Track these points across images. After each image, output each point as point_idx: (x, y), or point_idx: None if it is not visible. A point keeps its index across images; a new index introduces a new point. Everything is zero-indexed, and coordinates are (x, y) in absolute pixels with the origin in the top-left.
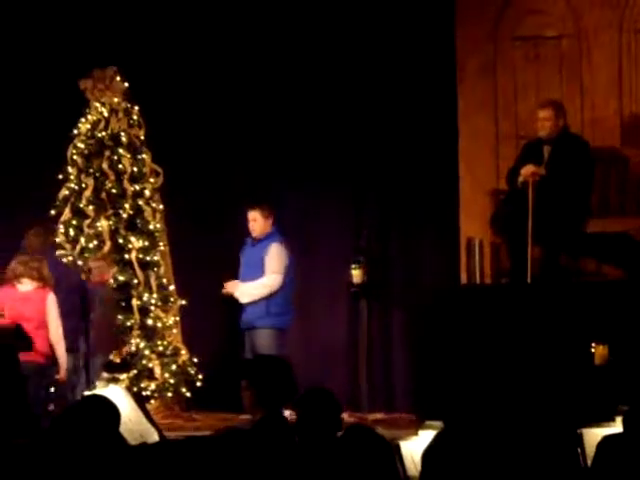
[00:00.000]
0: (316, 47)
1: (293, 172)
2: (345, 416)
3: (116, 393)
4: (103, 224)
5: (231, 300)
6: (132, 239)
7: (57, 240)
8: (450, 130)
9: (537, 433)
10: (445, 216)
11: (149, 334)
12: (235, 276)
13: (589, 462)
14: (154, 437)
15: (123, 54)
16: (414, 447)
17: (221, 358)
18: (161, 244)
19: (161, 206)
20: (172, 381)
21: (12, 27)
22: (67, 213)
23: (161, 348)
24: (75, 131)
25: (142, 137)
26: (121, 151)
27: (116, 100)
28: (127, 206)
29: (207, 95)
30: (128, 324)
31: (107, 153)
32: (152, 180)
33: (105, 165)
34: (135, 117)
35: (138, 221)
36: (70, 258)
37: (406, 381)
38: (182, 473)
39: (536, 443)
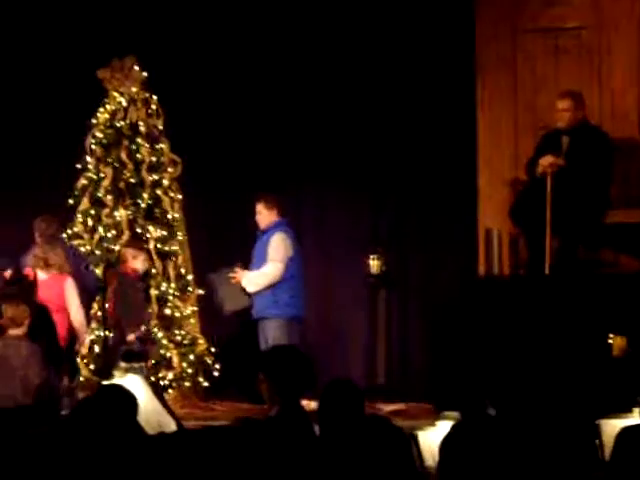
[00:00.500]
0: (335, 38)
1: (312, 162)
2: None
3: (134, 383)
4: (121, 214)
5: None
6: (150, 229)
7: (75, 229)
8: (469, 121)
9: (555, 424)
10: (463, 207)
11: (167, 324)
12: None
13: (607, 453)
14: (172, 427)
15: (141, 44)
16: (432, 437)
17: (239, 348)
18: (179, 234)
19: (179, 196)
20: (190, 371)
21: (32, 17)
22: (85, 203)
23: (179, 338)
24: (94, 121)
25: (160, 127)
26: (139, 141)
27: (134, 90)
28: (145, 196)
29: (225, 85)
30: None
31: (125, 143)
32: (170, 170)
33: (123, 155)
34: (153, 107)
35: (156, 211)
36: (88, 247)
37: (424, 372)
38: (200, 463)
39: (554, 434)
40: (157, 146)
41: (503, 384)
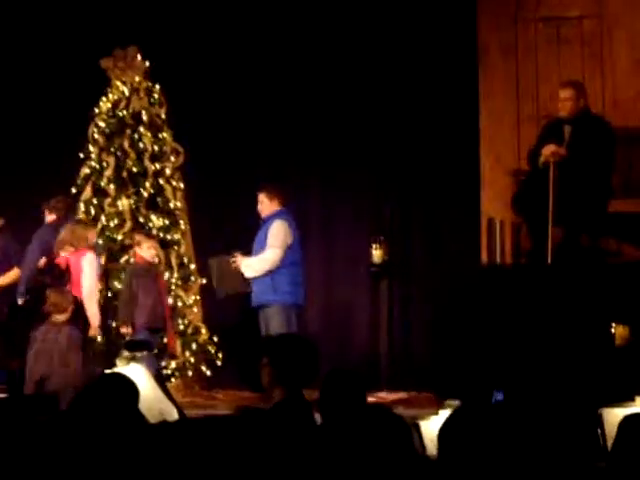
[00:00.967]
0: (338, 25)
1: (315, 151)
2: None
3: (136, 371)
4: (124, 203)
5: None
6: (153, 218)
7: (78, 218)
8: (471, 110)
9: (558, 413)
10: (466, 196)
11: (169, 313)
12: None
13: (609, 442)
14: (174, 415)
15: (144, 33)
16: (434, 426)
17: (241, 337)
18: (181, 223)
19: (182, 185)
20: (192, 360)
21: (35, 7)
22: (88, 192)
23: (182, 327)
24: (96, 110)
25: (163, 116)
26: (142, 130)
27: (137, 79)
28: (148, 185)
29: (228, 74)
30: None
31: (128, 132)
32: (173, 159)
33: (126, 144)
34: (156, 96)
35: (159, 200)
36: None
37: (426, 360)
38: (201, 451)
39: (557, 423)
40: (160, 135)
41: (506, 373)
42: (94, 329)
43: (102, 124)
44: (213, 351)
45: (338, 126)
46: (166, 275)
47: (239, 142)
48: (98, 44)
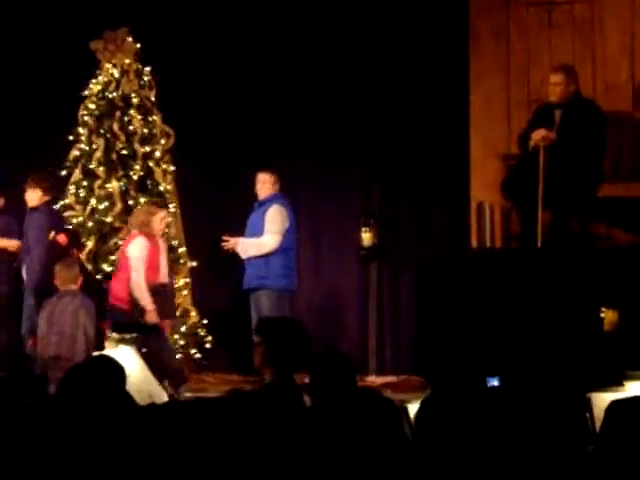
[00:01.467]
0: (325, 13)
1: (303, 135)
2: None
3: (126, 354)
4: (114, 185)
5: (237, 260)
6: (142, 200)
7: (67, 201)
8: (462, 94)
9: (546, 397)
10: (456, 180)
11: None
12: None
13: (597, 426)
14: (163, 397)
15: (134, 15)
16: None
17: (231, 320)
18: (171, 206)
19: (172, 167)
20: (182, 342)
21: None
22: (77, 174)
23: None
24: (86, 92)
25: (153, 98)
26: (132, 112)
27: (127, 61)
28: (138, 167)
29: (218, 57)
30: None
31: (118, 114)
32: (163, 141)
33: (116, 126)
34: (146, 78)
35: (148, 182)
36: (80, 219)
37: (415, 344)
38: (191, 433)
39: (545, 407)
40: (149, 118)
41: (495, 357)
42: (150, 314)
43: (92, 106)
44: (203, 334)
45: (326, 109)
46: None
47: (228, 125)
48: (88, 26)
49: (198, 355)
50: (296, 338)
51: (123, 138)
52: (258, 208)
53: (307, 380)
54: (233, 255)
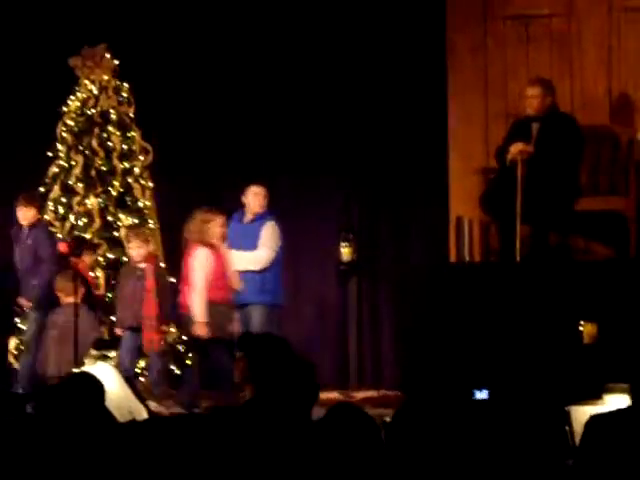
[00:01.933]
0: (305, 25)
1: (282, 150)
2: (334, 394)
3: (104, 370)
4: (92, 201)
5: None
6: (121, 217)
7: (46, 217)
8: (440, 109)
9: (526, 410)
10: (435, 194)
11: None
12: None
13: (577, 440)
14: (143, 414)
15: (113, 31)
16: None
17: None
18: (150, 222)
19: (150, 184)
20: None
21: (2, 5)
22: (56, 190)
23: None
24: (65, 108)
25: (132, 115)
26: (111, 128)
27: (106, 77)
28: (116, 184)
29: (197, 73)
30: None
31: (97, 130)
32: (142, 158)
33: (95, 142)
34: (125, 94)
35: (127, 199)
36: (59, 235)
37: (395, 359)
38: (170, 449)
39: (524, 420)
40: (128, 134)
41: (475, 371)
42: (199, 327)
43: (71, 123)
44: (182, 350)
45: (306, 124)
46: None
47: (207, 141)
48: (67, 42)
49: (178, 371)
50: (278, 355)
51: (102, 154)
52: (248, 222)
53: None
54: None
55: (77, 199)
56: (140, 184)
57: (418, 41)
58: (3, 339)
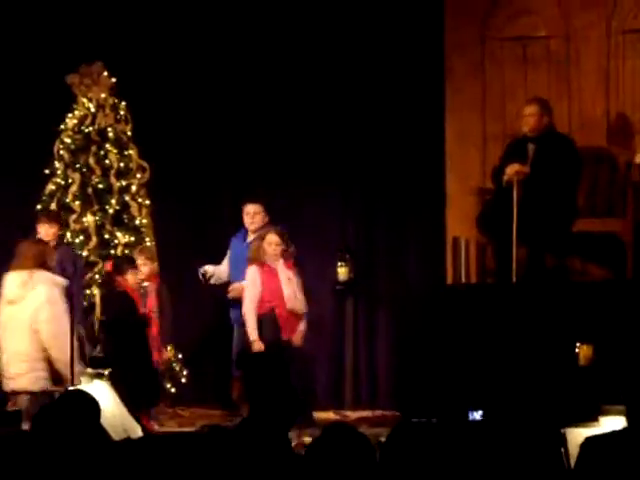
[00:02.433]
0: (305, 40)
1: (279, 169)
2: (329, 414)
3: (100, 389)
4: (89, 219)
5: (213, 294)
6: (118, 234)
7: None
8: (437, 129)
9: (521, 432)
10: (431, 215)
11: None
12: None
13: (572, 462)
14: (138, 432)
15: (110, 49)
16: None
17: (207, 353)
18: (147, 240)
19: (147, 202)
20: None
21: None
22: (53, 208)
23: None
24: (62, 126)
25: (129, 132)
26: (108, 146)
27: (103, 95)
28: (113, 201)
29: (194, 91)
30: None
31: (94, 148)
32: (139, 176)
33: (92, 160)
34: (122, 112)
35: (124, 217)
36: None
37: (391, 379)
38: (166, 468)
39: (520, 442)
40: (125, 152)
41: (472, 392)
42: (254, 344)
43: (68, 140)
44: (178, 368)
45: (304, 143)
46: None
47: (204, 159)
48: (64, 60)
49: (173, 390)
50: (275, 375)
51: (99, 172)
52: (250, 239)
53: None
54: (209, 289)
55: (74, 217)
56: (137, 202)
57: (416, 61)
58: None
